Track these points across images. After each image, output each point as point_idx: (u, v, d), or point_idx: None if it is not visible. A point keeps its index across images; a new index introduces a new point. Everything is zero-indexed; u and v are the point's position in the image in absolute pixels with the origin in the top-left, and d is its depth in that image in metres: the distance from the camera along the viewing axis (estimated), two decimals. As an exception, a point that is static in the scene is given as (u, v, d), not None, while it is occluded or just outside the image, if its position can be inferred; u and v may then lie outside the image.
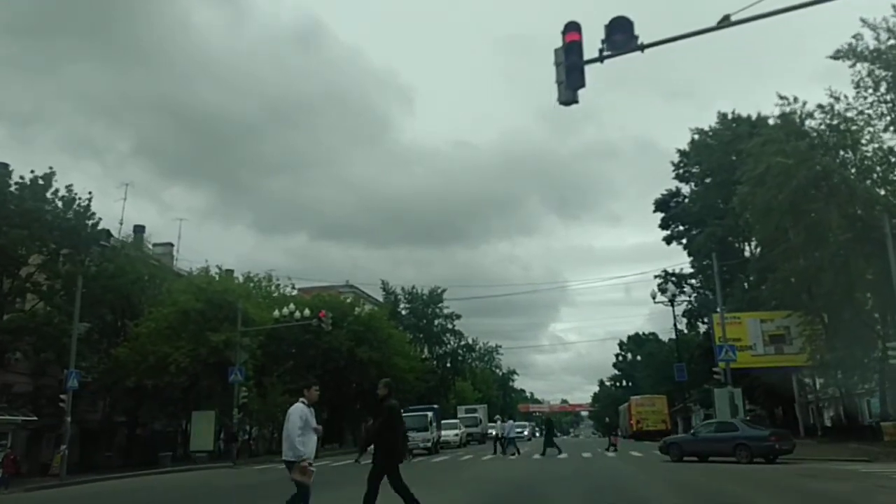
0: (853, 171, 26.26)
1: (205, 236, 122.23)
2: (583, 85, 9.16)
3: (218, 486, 18.90)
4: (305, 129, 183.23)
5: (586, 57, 9.29)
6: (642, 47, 9.03)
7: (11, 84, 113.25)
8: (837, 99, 25.02)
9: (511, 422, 32.65)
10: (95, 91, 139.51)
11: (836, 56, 24.70)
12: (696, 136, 43.87)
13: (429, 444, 33.48)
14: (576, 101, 9.23)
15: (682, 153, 44.75)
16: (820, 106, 25.79)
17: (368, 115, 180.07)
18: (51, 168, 31.21)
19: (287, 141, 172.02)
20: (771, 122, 31.08)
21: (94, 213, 32.06)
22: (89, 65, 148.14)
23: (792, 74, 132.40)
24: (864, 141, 25.71)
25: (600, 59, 9.29)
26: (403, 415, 37.24)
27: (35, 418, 29.88)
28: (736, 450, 20.93)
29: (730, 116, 42.89)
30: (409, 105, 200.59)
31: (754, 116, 40.83)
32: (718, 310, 32.54)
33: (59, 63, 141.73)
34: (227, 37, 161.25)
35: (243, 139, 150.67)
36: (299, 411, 7.80)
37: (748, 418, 25.43)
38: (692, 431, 26.37)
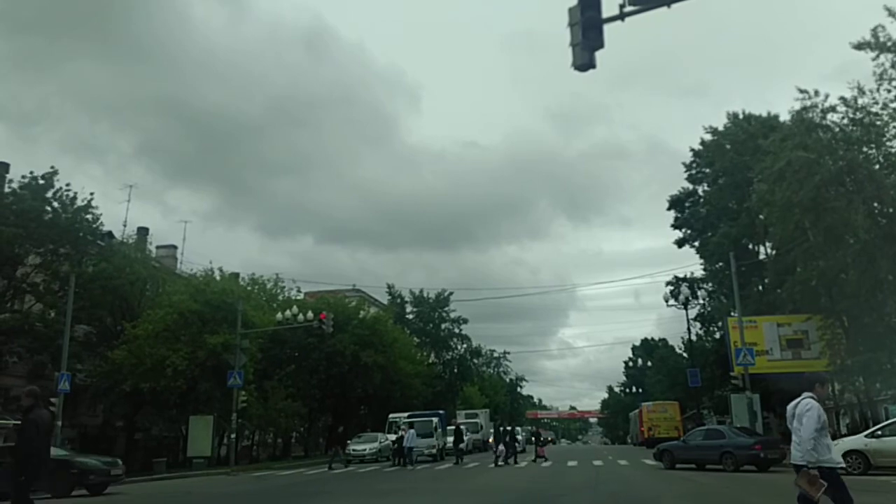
0: (877, 167, 25.16)
1: (209, 239, 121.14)
2: (601, 45, 8.16)
3: (197, 495, 17.94)
4: (310, 129, 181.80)
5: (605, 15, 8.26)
6: (669, 1, 8.04)
7: (12, 83, 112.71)
8: (863, 92, 23.90)
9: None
10: (97, 90, 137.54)
11: (859, 46, 23.61)
12: (709, 136, 42.79)
13: (434, 451, 32.44)
14: (593, 66, 8.23)
15: (695, 153, 43.59)
16: (843, 99, 24.72)
17: (374, 114, 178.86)
18: (52, 167, 30.72)
19: (291, 141, 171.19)
20: (788, 117, 30.00)
21: (94, 211, 31.53)
22: (90, 63, 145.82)
23: (805, 72, 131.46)
24: (889, 135, 24.62)
25: (621, 16, 8.31)
26: (410, 420, 35.82)
27: (27, 422, 29.03)
28: (722, 457, 20.87)
29: (741, 116, 41.78)
30: (416, 104, 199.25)
31: (769, 115, 39.86)
32: (735, 313, 31.42)
33: (60, 61, 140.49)
34: (229, 35, 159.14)
35: (247, 140, 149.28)
36: (818, 408, 6.45)
37: (736, 426, 24.80)
38: (683, 439, 26.01)
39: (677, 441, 26.17)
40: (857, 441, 18.85)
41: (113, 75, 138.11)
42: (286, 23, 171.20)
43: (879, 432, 18.52)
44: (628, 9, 8.23)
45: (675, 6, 7.90)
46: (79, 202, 30.92)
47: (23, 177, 30.08)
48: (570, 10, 8.40)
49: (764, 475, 19.38)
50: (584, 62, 8.26)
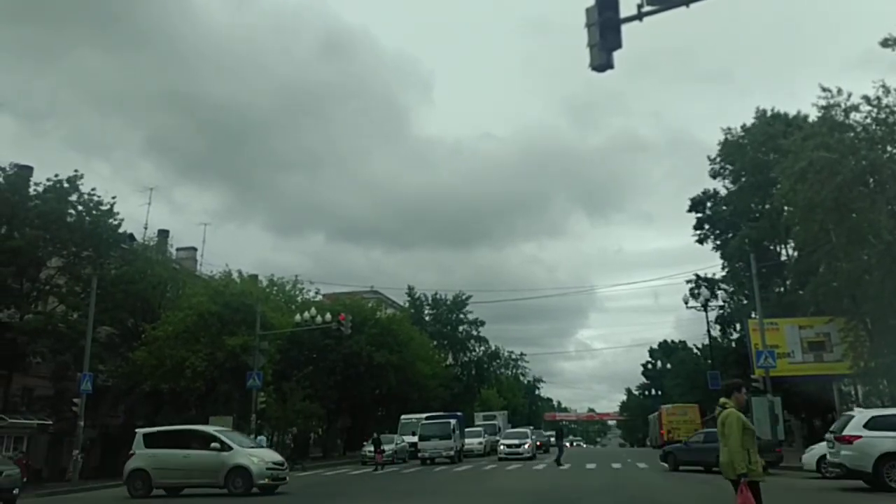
0: (901, 167, 24.76)
1: (221, 238, 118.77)
2: (619, 46, 8.11)
3: (217, 496, 18.07)
4: (319, 123, 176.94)
5: (623, 15, 8.20)
6: (688, 1, 7.98)
7: (16, 75, 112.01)
8: (887, 91, 23.52)
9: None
10: (102, 83, 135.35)
11: (885, 44, 23.26)
12: (728, 136, 42.33)
13: (451, 453, 32.41)
14: (611, 66, 8.19)
15: (722, 145, 42.76)
16: (866, 97, 24.35)
17: (385, 105, 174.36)
18: (76, 171, 31.13)
19: (300, 135, 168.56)
20: (811, 112, 29.59)
21: (116, 215, 31.89)
22: (93, 54, 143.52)
23: (832, 59, 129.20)
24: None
25: (639, 16, 8.25)
26: (427, 422, 36.16)
27: (50, 422, 29.49)
28: (718, 459, 20.76)
29: (769, 113, 41.19)
30: (428, 94, 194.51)
31: (793, 110, 39.43)
32: (755, 315, 31.06)
33: (63, 52, 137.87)
34: (235, 25, 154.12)
35: (255, 134, 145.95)
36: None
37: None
38: (685, 441, 26.63)
39: (680, 443, 26.46)
40: None
41: (118, 67, 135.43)
42: (292, 11, 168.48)
43: None
44: (646, 9, 8.18)
45: (693, 5, 7.89)
46: (100, 207, 31.28)
47: (47, 179, 30.56)
48: (588, 10, 8.37)
49: (768, 478, 19.19)
50: (601, 63, 8.23)
